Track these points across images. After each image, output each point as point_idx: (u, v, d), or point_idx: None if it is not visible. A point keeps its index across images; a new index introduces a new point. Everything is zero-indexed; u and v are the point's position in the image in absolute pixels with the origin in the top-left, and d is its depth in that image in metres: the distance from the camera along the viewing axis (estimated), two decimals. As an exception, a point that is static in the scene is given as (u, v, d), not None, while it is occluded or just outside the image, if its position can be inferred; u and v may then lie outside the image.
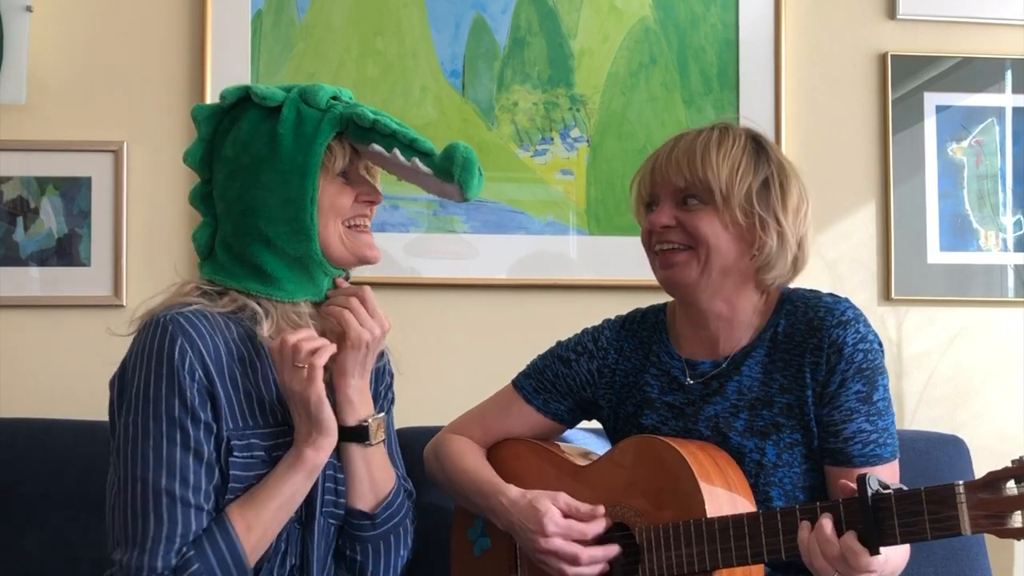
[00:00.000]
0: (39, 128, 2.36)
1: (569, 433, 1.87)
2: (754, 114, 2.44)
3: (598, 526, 1.57)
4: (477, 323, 2.45)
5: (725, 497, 1.51)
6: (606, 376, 1.73)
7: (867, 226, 2.54)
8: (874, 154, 2.55)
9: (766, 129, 2.10)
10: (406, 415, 1.90)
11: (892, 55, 2.54)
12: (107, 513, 1.42)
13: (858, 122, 2.56)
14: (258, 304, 1.49)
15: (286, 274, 1.49)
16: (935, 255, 2.55)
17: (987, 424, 2.55)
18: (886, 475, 1.51)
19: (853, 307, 1.60)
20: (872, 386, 1.56)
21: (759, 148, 1.62)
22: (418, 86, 2.44)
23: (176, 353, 1.40)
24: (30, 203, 2.36)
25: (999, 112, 2.59)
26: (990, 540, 2.17)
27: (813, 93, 2.54)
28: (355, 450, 1.53)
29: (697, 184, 1.58)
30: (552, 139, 2.48)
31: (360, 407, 1.52)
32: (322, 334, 1.52)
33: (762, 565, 1.49)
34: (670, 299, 1.75)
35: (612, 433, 1.74)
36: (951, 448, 2.21)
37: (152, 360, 1.41)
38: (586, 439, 1.95)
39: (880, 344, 1.59)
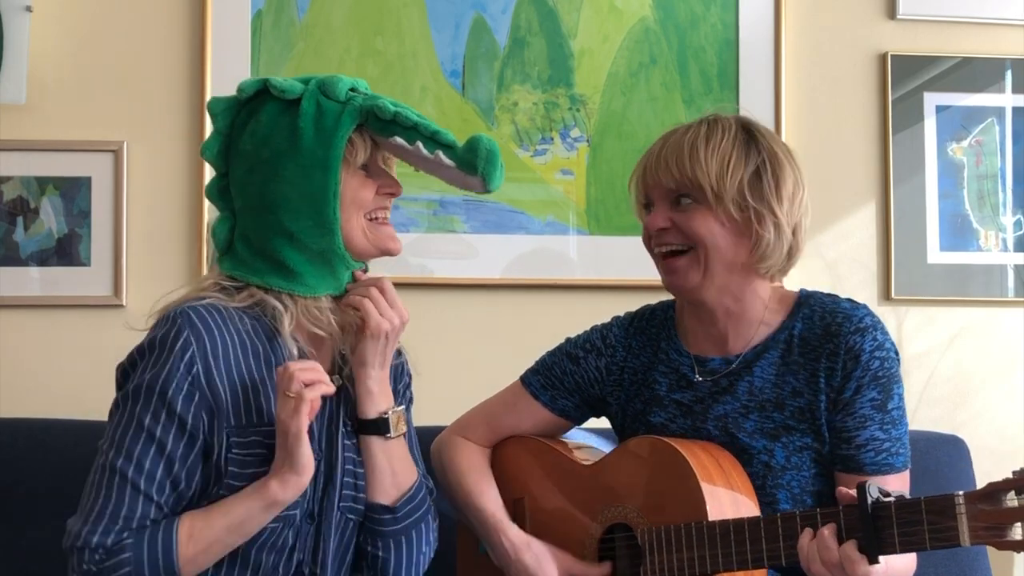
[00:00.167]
0: (39, 128, 2.36)
1: (571, 432, 1.86)
2: (754, 114, 2.43)
3: None
4: (477, 323, 2.45)
5: (727, 499, 1.50)
6: (614, 373, 1.72)
7: (867, 226, 2.54)
8: (874, 154, 2.55)
9: (766, 129, 2.10)
10: (406, 415, 1.90)
11: (892, 55, 2.54)
12: None
13: (858, 122, 2.56)
14: (278, 300, 1.48)
15: (308, 269, 1.48)
16: (935, 255, 2.55)
17: (987, 424, 2.55)
18: (896, 485, 1.51)
19: (872, 314, 1.58)
20: (887, 395, 1.55)
21: (750, 137, 1.59)
22: (418, 86, 2.44)
23: (178, 346, 1.40)
24: (30, 203, 2.36)
25: (999, 112, 2.59)
26: (990, 540, 2.17)
27: (813, 93, 2.54)
28: (376, 443, 1.52)
29: (687, 183, 1.56)
30: (552, 139, 2.48)
31: (380, 399, 1.52)
32: (342, 327, 1.52)
33: (764, 570, 1.49)
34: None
35: (620, 431, 1.74)
36: (951, 448, 2.21)
37: (154, 351, 1.42)
38: (587, 439, 1.95)
39: (897, 353, 1.58)
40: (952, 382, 2.56)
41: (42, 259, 2.36)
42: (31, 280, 2.35)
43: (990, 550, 2.15)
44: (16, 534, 2.05)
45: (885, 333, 1.57)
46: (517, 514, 1.71)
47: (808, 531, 1.39)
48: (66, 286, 2.36)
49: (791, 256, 1.59)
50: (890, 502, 1.33)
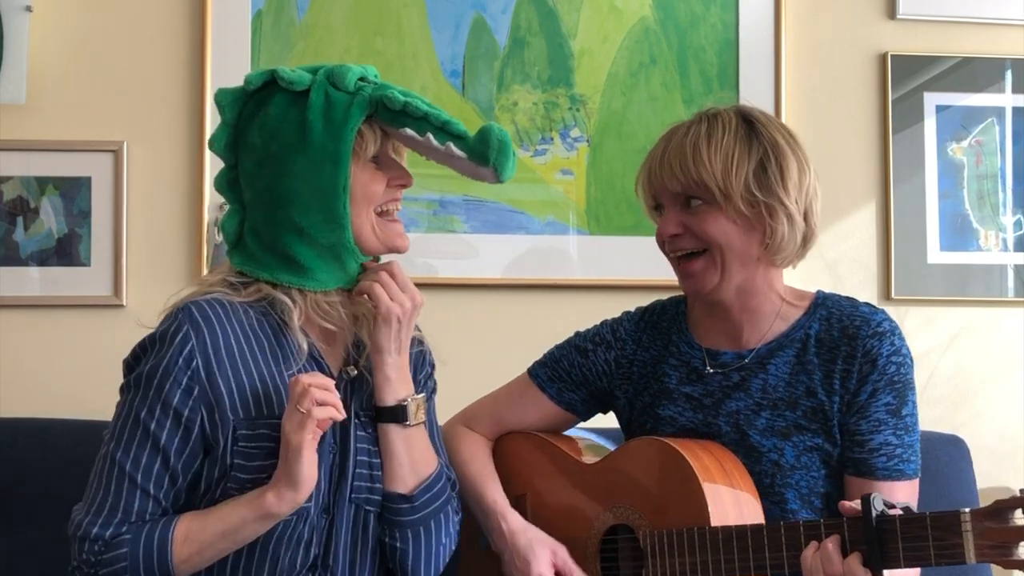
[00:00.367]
0: (39, 128, 2.36)
1: (574, 431, 1.86)
2: (754, 114, 2.44)
3: None
4: (477, 323, 2.45)
5: (730, 502, 1.50)
6: (623, 367, 1.72)
7: (867, 226, 2.54)
8: (874, 154, 2.55)
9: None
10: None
11: (892, 55, 2.54)
12: None
13: (858, 122, 2.56)
14: (287, 295, 1.47)
15: (318, 264, 1.47)
16: (935, 255, 2.55)
17: (987, 424, 2.55)
18: (905, 492, 1.51)
19: (890, 319, 1.58)
20: (902, 400, 1.54)
21: (750, 129, 1.57)
22: (418, 86, 2.44)
23: (177, 340, 1.40)
24: (30, 203, 2.36)
25: (999, 112, 2.59)
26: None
27: (813, 93, 2.54)
28: (394, 431, 1.50)
29: (693, 186, 1.55)
30: (552, 139, 2.48)
31: (399, 386, 1.50)
32: (355, 319, 1.51)
33: None
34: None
35: (627, 425, 1.73)
36: (951, 448, 2.21)
37: (155, 345, 1.42)
38: (591, 438, 1.94)
39: (912, 360, 1.57)
40: (952, 382, 2.56)
41: (42, 259, 2.36)
42: (31, 280, 2.35)
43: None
44: (16, 534, 2.05)
45: (902, 339, 1.57)
46: (519, 510, 1.70)
47: (813, 543, 1.37)
48: (66, 286, 2.36)
49: (806, 243, 1.58)
50: (895, 516, 1.31)
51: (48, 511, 2.05)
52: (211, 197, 2.35)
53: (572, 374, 1.74)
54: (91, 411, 2.13)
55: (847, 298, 1.63)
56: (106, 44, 2.40)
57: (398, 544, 1.50)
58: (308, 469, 1.36)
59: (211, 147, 1.53)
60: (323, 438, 1.41)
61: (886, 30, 2.57)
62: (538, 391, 1.76)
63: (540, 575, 1.57)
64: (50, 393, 2.31)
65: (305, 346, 1.47)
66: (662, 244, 1.62)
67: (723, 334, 1.64)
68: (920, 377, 2.49)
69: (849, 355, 1.55)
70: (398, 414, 1.49)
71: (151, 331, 1.45)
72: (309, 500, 1.40)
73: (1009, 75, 2.59)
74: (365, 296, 1.49)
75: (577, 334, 1.79)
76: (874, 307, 1.60)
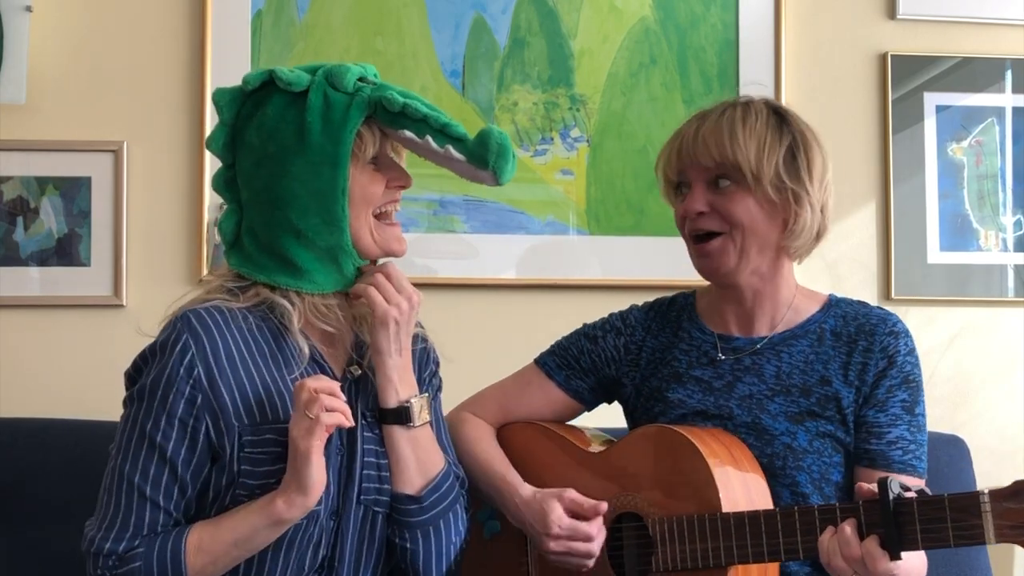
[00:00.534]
0: (39, 128, 2.36)
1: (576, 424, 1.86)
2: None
3: (599, 524, 1.56)
4: (476, 323, 2.45)
5: (740, 488, 1.50)
6: (632, 353, 1.73)
7: (867, 226, 2.54)
8: (874, 154, 2.55)
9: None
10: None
11: (892, 55, 2.54)
12: None
13: (858, 122, 2.56)
14: (285, 298, 1.46)
15: (316, 266, 1.46)
16: (935, 255, 2.55)
17: (987, 424, 2.55)
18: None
19: (903, 322, 1.64)
20: (915, 399, 1.60)
21: (781, 119, 1.61)
22: (418, 86, 2.44)
23: (177, 349, 1.40)
24: (30, 203, 2.36)
25: (999, 112, 2.59)
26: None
27: (813, 93, 2.54)
28: (399, 432, 1.49)
29: (726, 165, 1.57)
30: (552, 139, 2.48)
31: (401, 387, 1.49)
32: (354, 319, 1.51)
33: (778, 564, 1.49)
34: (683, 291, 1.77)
35: (633, 412, 1.73)
36: (951, 448, 2.21)
37: (155, 356, 1.42)
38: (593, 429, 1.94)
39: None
40: (952, 382, 2.56)
41: (42, 259, 2.36)
42: (31, 280, 2.35)
43: (990, 548, 2.16)
44: (16, 534, 2.05)
45: (914, 342, 1.63)
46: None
47: (829, 528, 1.38)
48: (66, 286, 2.36)
49: (819, 237, 1.63)
50: (912, 498, 1.33)
51: (48, 511, 2.05)
52: (211, 197, 2.35)
53: (581, 361, 1.76)
54: (91, 411, 2.14)
55: (859, 301, 1.69)
56: (106, 44, 2.40)
57: (408, 544, 1.50)
58: (317, 473, 1.36)
59: (208, 146, 1.52)
60: (330, 440, 1.40)
61: (886, 30, 2.57)
62: (545, 378, 1.77)
63: (558, 520, 1.55)
64: (50, 393, 2.31)
65: (307, 349, 1.46)
66: (682, 222, 1.64)
67: (735, 319, 1.67)
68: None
69: (867, 349, 1.60)
70: (402, 415, 1.49)
71: (151, 341, 1.44)
72: (319, 503, 1.40)
73: (1009, 75, 2.59)
74: (362, 299, 1.49)
75: (585, 324, 1.80)
76: (886, 310, 1.66)
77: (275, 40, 2.42)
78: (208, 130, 2.33)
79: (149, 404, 1.40)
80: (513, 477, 1.65)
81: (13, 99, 2.29)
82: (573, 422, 1.83)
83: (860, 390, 1.58)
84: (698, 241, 1.62)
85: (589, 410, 1.81)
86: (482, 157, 1.41)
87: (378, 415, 1.51)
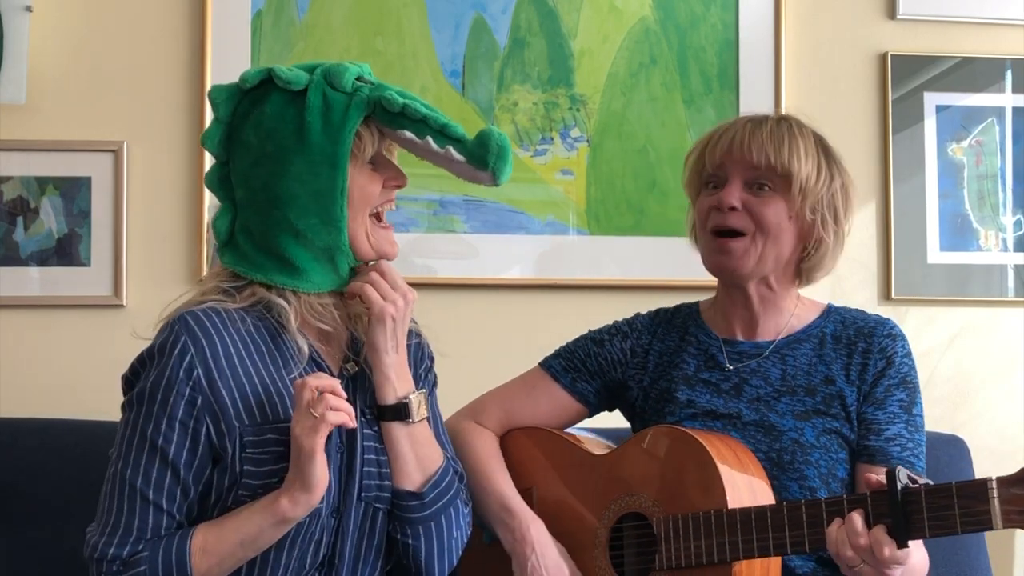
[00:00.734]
0: (39, 128, 2.36)
1: (577, 430, 1.86)
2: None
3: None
4: (476, 323, 2.45)
5: (745, 488, 1.51)
6: (639, 356, 1.75)
7: (867, 226, 2.54)
8: (874, 154, 2.55)
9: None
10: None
11: (892, 55, 2.54)
12: None
13: (858, 122, 2.56)
14: (281, 297, 1.46)
15: (313, 266, 1.46)
16: (935, 255, 2.55)
17: (987, 424, 2.55)
18: None
19: (899, 327, 1.69)
20: (912, 399, 1.63)
21: (828, 152, 1.67)
22: (418, 86, 2.44)
23: (176, 352, 1.40)
24: (30, 203, 2.36)
25: (999, 112, 2.59)
26: (990, 539, 2.17)
27: (813, 93, 2.54)
28: (397, 429, 1.49)
29: (777, 170, 1.60)
30: (552, 139, 2.48)
31: (399, 384, 1.49)
32: (348, 320, 1.51)
33: (780, 558, 1.50)
34: (685, 301, 1.80)
35: (641, 414, 1.74)
36: (951, 448, 2.21)
37: (153, 359, 1.42)
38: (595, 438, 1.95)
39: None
40: (952, 382, 2.56)
41: (42, 259, 2.36)
42: (31, 280, 2.35)
43: (990, 548, 2.16)
44: (16, 534, 2.04)
45: (910, 346, 1.68)
46: (526, 503, 1.70)
47: (837, 519, 1.39)
48: (66, 286, 2.36)
49: (829, 268, 1.71)
50: (919, 488, 1.34)
51: (48, 511, 2.05)
52: (211, 197, 2.33)
53: (587, 363, 1.77)
54: (91, 411, 2.14)
55: (856, 308, 1.74)
56: (106, 44, 2.40)
57: (410, 540, 1.50)
58: (321, 471, 1.36)
59: (203, 143, 1.52)
60: (329, 438, 1.40)
61: (886, 30, 2.57)
62: (551, 381, 1.77)
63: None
64: (50, 393, 2.31)
65: (306, 348, 1.47)
66: (706, 214, 1.66)
67: (740, 324, 1.70)
68: (920, 377, 2.49)
69: (866, 351, 1.64)
70: (400, 412, 1.49)
71: (148, 344, 1.44)
72: (322, 501, 1.40)
73: (1009, 75, 2.59)
74: (357, 298, 1.49)
75: (590, 330, 1.82)
76: (883, 316, 1.71)
77: (275, 40, 2.42)
78: (208, 130, 2.33)
79: (149, 407, 1.40)
80: (512, 496, 1.67)
81: (13, 99, 2.29)
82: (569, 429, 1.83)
83: (860, 389, 1.62)
84: (720, 237, 1.64)
85: (591, 416, 1.81)
86: (482, 158, 1.42)
87: (376, 412, 1.51)
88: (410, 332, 1.56)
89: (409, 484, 1.49)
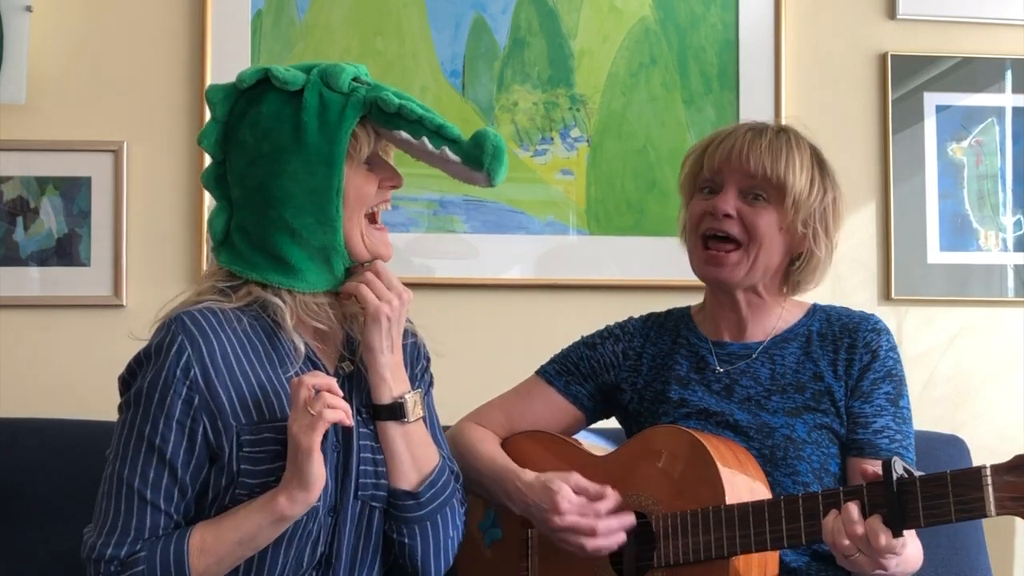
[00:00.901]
0: (39, 128, 2.36)
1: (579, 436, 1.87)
2: (754, 114, 2.43)
3: (610, 502, 1.57)
4: (476, 323, 2.45)
5: (744, 485, 1.52)
6: (631, 359, 1.77)
7: (867, 226, 2.54)
8: (874, 154, 2.55)
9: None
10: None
11: (892, 55, 2.54)
12: None
13: (858, 122, 2.56)
14: (276, 296, 1.46)
15: (309, 265, 1.46)
16: (935, 255, 2.55)
17: (987, 424, 2.55)
18: None
19: (883, 322, 1.71)
20: (899, 392, 1.65)
21: (822, 166, 1.70)
22: (418, 86, 2.44)
23: (173, 351, 1.40)
24: (30, 203, 2.36)
25: (999, 112, 2.59)
26: (990, 539, 2.17)
27: (813, 93, 2.54)
28: (393, 428, 1.49)
29: (773, 181, 1.63)
30: (552, 139, 2.48)
31: (395, 384, 1.50)
32: (343, 319, 1.52)
33: (778, 552, 1.51)
34: (677, 305, 1.82)
35: (636, 416, 1.75)
36: (951, 448, 2.21)
37: (150, 359, 1.42)
38: (596, 441, 1.95)
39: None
40: (952, 382, 2.56)
41: (42, 259, 2.36)
42: (31, 280, 2.35)
43: (990, 548, 2.16)
44: (16, 534, 2.05)
45: (895, 340, 1.70)
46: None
47: (833, 511, 1.41)
48: (66, 286, 2.36)
49: (810, 282, 1.72)
50: (915, 477, 1.36)
51: (48, 511, 2.05)
52: (211, 197, 2.35)
53: (580, 367, 1.79)
54: (91, 411, 2.14)
55: (841, 306, 1.76)
56: (106, 44, 2.40)
57: (407, 540, 1.50)
58: (318, 469, 1.37)
59: (200, 143, 1.52)
60: (325, 436, 1.40)
61: (886, 30, 2.57)
62: (546, 385, 1.79)
63: (567, 496, 1.55)
64: (50, 393, 2.31)
65: (302, 347, 1.47)
66: (699, 219, 1.68)
67: (729, 327, 1.73)
68: (920, 377, 2.50)
69: (851, 346, 1.66)
70: (396, 411, 1.49)
71: (144, 344, 1.44)
72: (319, 499, 1.40)
73: (1009, 75, 2.59)
74: (353, 298, 1.49)
75: (583, 336, 1.84)
76: (867, 312, 1.74)
77: (275, 40, 2.42)
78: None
79: (146, 407, 1.40)
80: (514, 466, 1.67)
81: (13, 99, 2.29)
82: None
83: (847, 384, 1.64)
84: (712, 244, 1.66)
85: (590, 421, 1.82)
86: (477, 159, 1.42)
87: (372, 411, 1.51)
88: (406, 332, 1.56)
89: (405, 484, 1.50)
